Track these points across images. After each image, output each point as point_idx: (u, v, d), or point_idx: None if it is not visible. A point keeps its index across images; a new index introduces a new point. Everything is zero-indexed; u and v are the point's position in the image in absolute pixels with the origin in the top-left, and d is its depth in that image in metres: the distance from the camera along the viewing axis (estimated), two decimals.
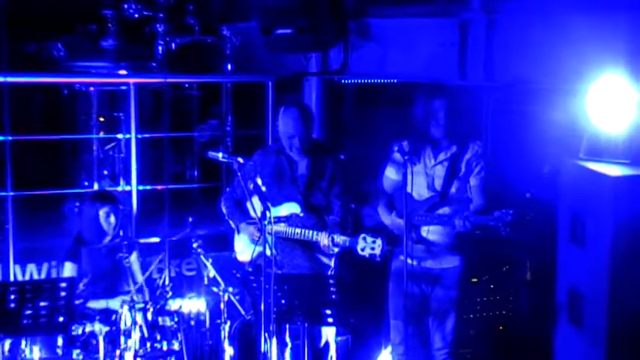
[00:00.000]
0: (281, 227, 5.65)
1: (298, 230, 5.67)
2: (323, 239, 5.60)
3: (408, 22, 7.43)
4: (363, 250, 5.48)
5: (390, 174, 5.62)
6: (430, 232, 5.54)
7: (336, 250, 5.68)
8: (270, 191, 5.67)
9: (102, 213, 6.10)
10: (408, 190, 5.31)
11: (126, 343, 5.59)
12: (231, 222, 5.95)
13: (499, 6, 7.13)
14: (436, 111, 5.46)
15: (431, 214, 5.49)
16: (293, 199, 5.77)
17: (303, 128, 5.73)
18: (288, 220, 5.72)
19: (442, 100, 5.46)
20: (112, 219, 6.11)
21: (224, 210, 5.99)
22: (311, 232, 5.65)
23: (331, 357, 6.06)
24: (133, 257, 6.10)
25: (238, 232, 5.91)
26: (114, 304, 5.87)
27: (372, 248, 5.46)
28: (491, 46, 7.18)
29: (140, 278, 6.14)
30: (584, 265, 5.37)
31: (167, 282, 6.29)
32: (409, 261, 5.29)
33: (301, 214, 5.73)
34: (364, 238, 5.49)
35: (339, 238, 5.59)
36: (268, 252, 5.01)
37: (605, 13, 6.26)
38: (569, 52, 6.31)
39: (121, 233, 6.10)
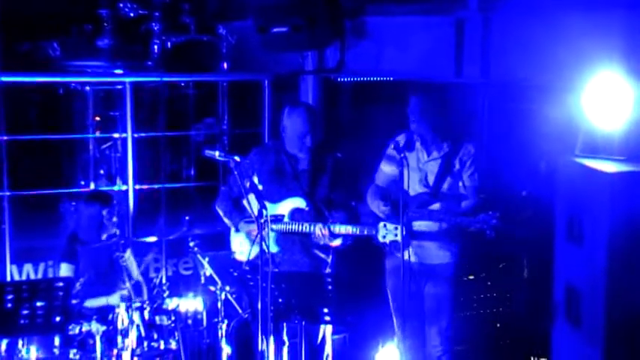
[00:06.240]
0: (282, 225, 5.66)
1: (302, 226, 5.68)
2: (320, 230, 5.61)
3: (404, 20, 7.41)
4: (384, 237, 5.57)
5: (385, 168, 5.71)
6: (420, 228, 5.59)
7: (336, 242, 5.67)
8: (271, 188, 5.67)
9: (105, 214, 6.08)
10: (404, 186, 5.33)
11: (123, 342, 5.60)
12: (227, 220, 5.94)
13: (495, 4, 7.13)
14: (411, 108, 5.57)
15: (422, 210, 5.53)
16: (296, 194, 5.77)
17: (313, 126, 5.78)
18: (292, 215, 5.72)
19: (415, 98, 5.56)
20: (114, 218, 6.11)
21: (220, 210, 5.97)
22: (310, 225, 5.65)
23: (327, 355, 6.05)
24: (128, 254, 6.10)
25: (237, 230, 5.90)
26: (113, 300, 5.87)
27: (395, 235, 5.53)
28: (488, 44, 7.16)
29: (137, 274, 6.14)
30: (581, 263, 5.37)
31: (164, 281, 6.29)
32: (407, 257, 5.32)
33: (306, 208, 5.73)
34: (385, 226, 5.57)
35: (343, 229, 5.62)
36: (265, 250, 5.00)
37: (601, 11, 6.25)
38: (565, 49, 6.29)
39: (117, 232, 6.10)
